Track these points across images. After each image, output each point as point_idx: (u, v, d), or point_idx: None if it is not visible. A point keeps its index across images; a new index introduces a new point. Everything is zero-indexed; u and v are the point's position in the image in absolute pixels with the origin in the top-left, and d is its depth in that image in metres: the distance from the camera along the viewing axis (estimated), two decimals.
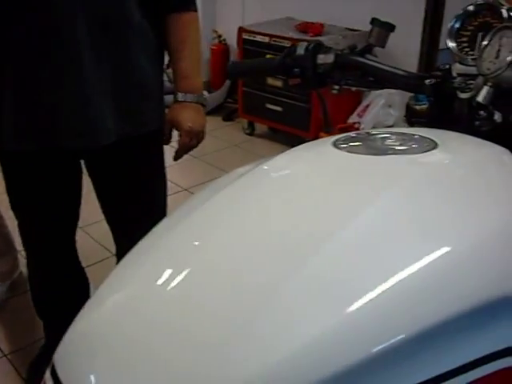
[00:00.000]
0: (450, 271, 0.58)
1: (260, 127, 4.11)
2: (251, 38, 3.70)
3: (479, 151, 0.80)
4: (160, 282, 0.62)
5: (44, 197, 1.58)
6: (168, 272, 0.63)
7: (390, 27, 1.06)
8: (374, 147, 0.77)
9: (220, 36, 4.24)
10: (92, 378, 0.57)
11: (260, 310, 0.55)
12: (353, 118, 3.55)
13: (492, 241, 0.62)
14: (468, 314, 0.55)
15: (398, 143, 0.77)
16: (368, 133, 0.82)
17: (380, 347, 0.52)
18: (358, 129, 3.41)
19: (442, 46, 2.52)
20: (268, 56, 1.33)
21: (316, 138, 3.74)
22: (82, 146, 1.49)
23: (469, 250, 0.60)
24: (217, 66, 4.22)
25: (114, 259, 2.04)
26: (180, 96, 1.55)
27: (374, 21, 1.06)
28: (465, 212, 0.66)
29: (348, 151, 0.77)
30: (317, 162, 0.80)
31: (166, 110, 1.62)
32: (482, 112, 0.87)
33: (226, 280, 0.59)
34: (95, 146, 1.48)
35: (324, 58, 1.05)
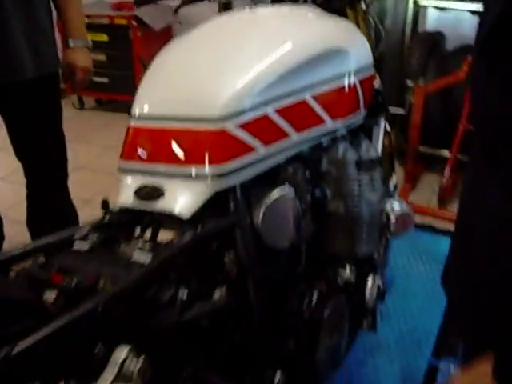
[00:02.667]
0: (301, 47, 1.24)
1: (88, 101, 4.56)
2: None
3: (305, 8, 1.50)
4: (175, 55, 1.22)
5: None
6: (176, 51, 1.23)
7: None
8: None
9: None
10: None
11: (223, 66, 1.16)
12: None
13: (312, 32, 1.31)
14: (316, 55, 1.23)
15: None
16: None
17: (274, 76, 1.14)
18: None
19: None
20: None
21: None
22: (4, 82, 1.86)
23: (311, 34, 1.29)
24: None
25: None
26: (71, 42, 2.02)
27: None
28: (302, 28, 1.34)
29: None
30: (237, 13, 1.42)
31: None
32: None
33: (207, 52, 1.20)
34: (16, 81, 1.88)
35: None
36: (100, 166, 3.54)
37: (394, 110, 3.16)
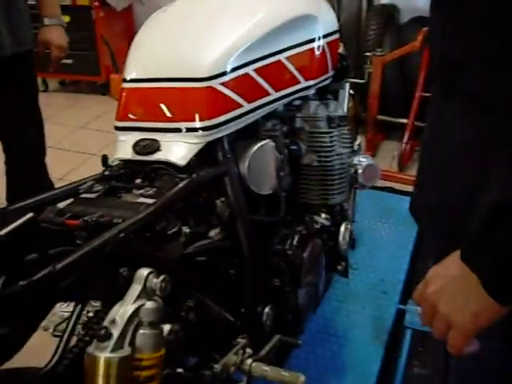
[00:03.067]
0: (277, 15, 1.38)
1: (51, 82, 4.58)
2: None
3: None
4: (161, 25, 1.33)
5: None
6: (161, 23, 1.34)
7: None
8: None
9: None
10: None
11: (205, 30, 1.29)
12: None
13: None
14: (289, 21, 1.36)
15: None
16: None
17: (253, 39, 1.28)
18: None
19: None
20: None
21: (107, 80, 4.36)
22: None
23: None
24: None
25: None
26: (46, 21, 2.09)
27: None
28: None
29: None
30: None
31: None
32: None
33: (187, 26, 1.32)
34: None
35: None
36: (67, 146, 3.59)
37: (352, 81, 3.30)
